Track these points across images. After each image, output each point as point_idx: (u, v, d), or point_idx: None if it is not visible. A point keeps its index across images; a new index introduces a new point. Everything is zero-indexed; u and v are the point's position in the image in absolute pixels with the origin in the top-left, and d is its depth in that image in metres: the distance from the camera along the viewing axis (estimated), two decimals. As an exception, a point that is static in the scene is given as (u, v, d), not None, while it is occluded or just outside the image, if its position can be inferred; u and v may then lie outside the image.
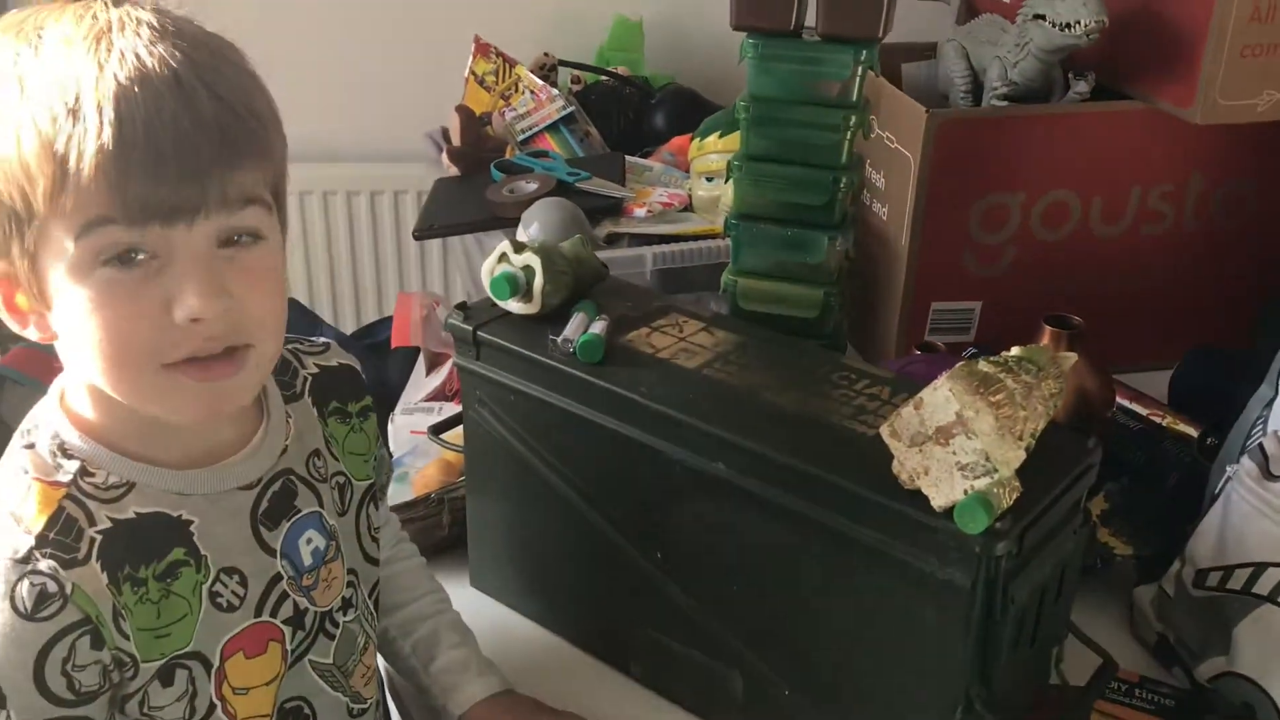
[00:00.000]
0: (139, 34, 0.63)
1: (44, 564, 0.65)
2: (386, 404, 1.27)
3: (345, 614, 0.79)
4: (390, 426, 1.23)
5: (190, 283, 0.63)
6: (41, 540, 0.65)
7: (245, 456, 0.74)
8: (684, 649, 0.90)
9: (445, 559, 1.06)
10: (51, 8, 0.65)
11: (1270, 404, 0.95)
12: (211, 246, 0.65)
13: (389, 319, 1.43)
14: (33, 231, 0.63)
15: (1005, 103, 1.30)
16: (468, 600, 0.98)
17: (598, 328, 0.91)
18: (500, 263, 0.94)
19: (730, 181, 1.03)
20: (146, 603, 0.68)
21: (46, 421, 0.70)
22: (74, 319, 0.64)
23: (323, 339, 0.87)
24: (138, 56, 0.61)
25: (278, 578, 0.74)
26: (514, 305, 0.94)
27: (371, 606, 0.84)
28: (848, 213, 1.01)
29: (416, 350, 1.31)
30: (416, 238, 1.35)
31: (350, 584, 0.80)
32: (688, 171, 1.44)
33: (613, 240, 1.32)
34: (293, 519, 0.76)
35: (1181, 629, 0.94)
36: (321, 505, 0.78)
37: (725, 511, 0.84)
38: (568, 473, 0.92)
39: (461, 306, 0.96)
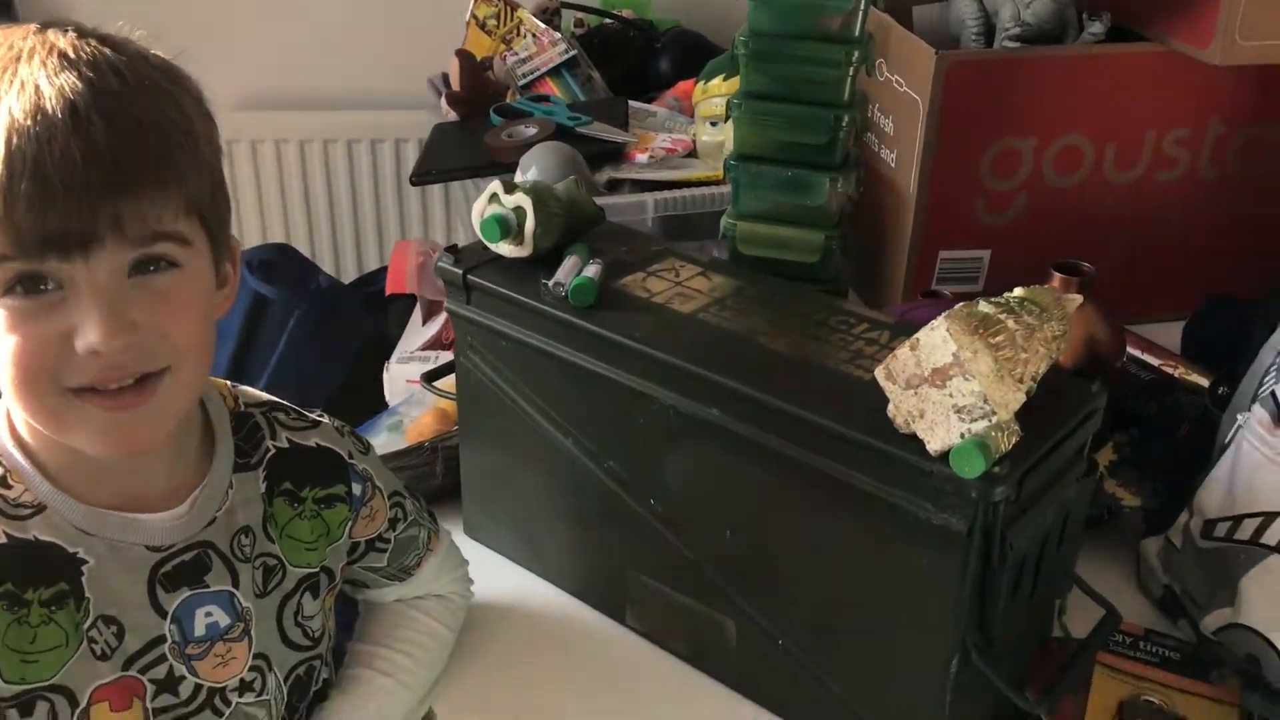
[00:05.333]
0: (46, 64, 0.61)
1: None
2: (384, 353, 1.25)
3: (242, 695, 0.75)
4: (386, 375, 1.21)
5: (90, 316, 0.62)
6: None
7: (165, 520, 0.72)
8: (678, 597, 0.89)
9: (439, 508, 1.05)
10: None
11: (1283, 352, 0.92)
12: (118, 277, 0.63)
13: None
14: None
15: (1017, 44, 1.27)
16: (462, 550, 0.97)
17: (591, 271, 0.89)
18: (490, 204, 0.91)
19: (730, 122, 1.00)
20: (24, 625, 0.67)
21: None
22: None
23: (318, 414, 0.83)
24: (37, 88, 0.60)
25: (161, 639, 0.72)
26: (505, 248, 0.92)
27: (291, 691, 0.79)
28: (850, 153, 0.98)
29: (414, 299, 1.29)
30: (413, 183, 1.33)
31: (256, 669, 0.76)
32: (692, 116, 1.41)
33: (614, 186, 1.30)
34: (196, 590, 0.73)
35: (1188, 581, 0.92)
36: (236, 585, 0.75)
37: (720, 458, 0.82)
38: (561, 420, 0.91)
39: (452, 250, 0.94)
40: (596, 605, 0.96)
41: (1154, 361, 1.23)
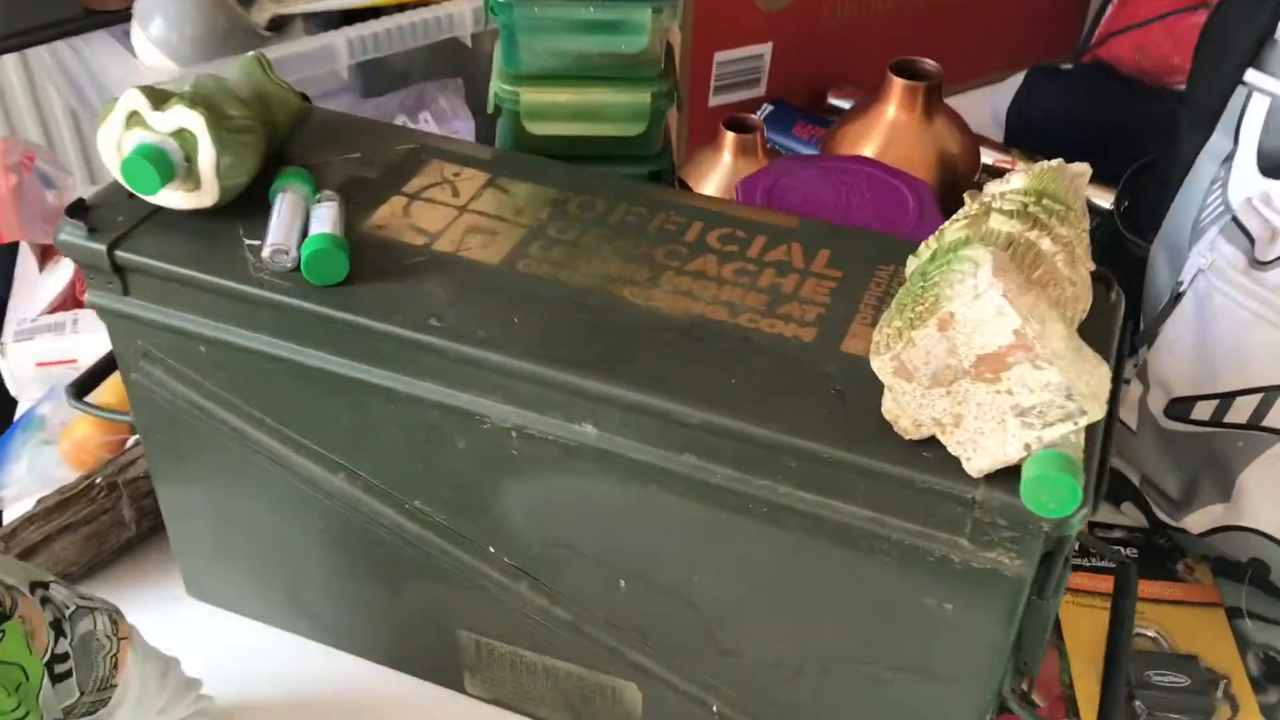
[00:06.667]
0: None
1: None
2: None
3: None
4: (1, 361, 0.82)
5: None
6: None
7: None
8: (545, 660, 0.62)
9: (134, 565, 0.72)
10: None
11: (1229, 160, 0.72)
12: None
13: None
14: None
15: None
16: (188, 618, 0.65)
17: (326, 219, 0.55)
18: (131, 129, 0.55)
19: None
20: None
21: None
22: None
23: None
24: None
25: None
26: (172, 197, 0.56)
27: None
28: (667, -34, 0.67)
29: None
30: (-28, 58, 0.89)
31: None
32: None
33: (279, 25, 0.91)
34: None
35: (1151, 469, 0.74)
36: None
37: (602, 488, 0.53)
38: (323, 450, 0.59)
39: (78, 209, 0.57)
40: (417, 672, 0.68)
41: (986, 159, 1.03)
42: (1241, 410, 0.68)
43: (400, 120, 0.92)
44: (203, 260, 0.55)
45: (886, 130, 0.88)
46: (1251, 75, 0.71)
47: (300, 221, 0.55)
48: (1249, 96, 0.71)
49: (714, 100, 1.07)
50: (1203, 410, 0.70)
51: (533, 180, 0.61)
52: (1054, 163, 0.51)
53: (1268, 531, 0.68)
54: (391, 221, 0.58)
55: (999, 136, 1.10)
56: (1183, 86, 1.09)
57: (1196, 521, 0.71)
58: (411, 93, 0.93)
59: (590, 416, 0.51)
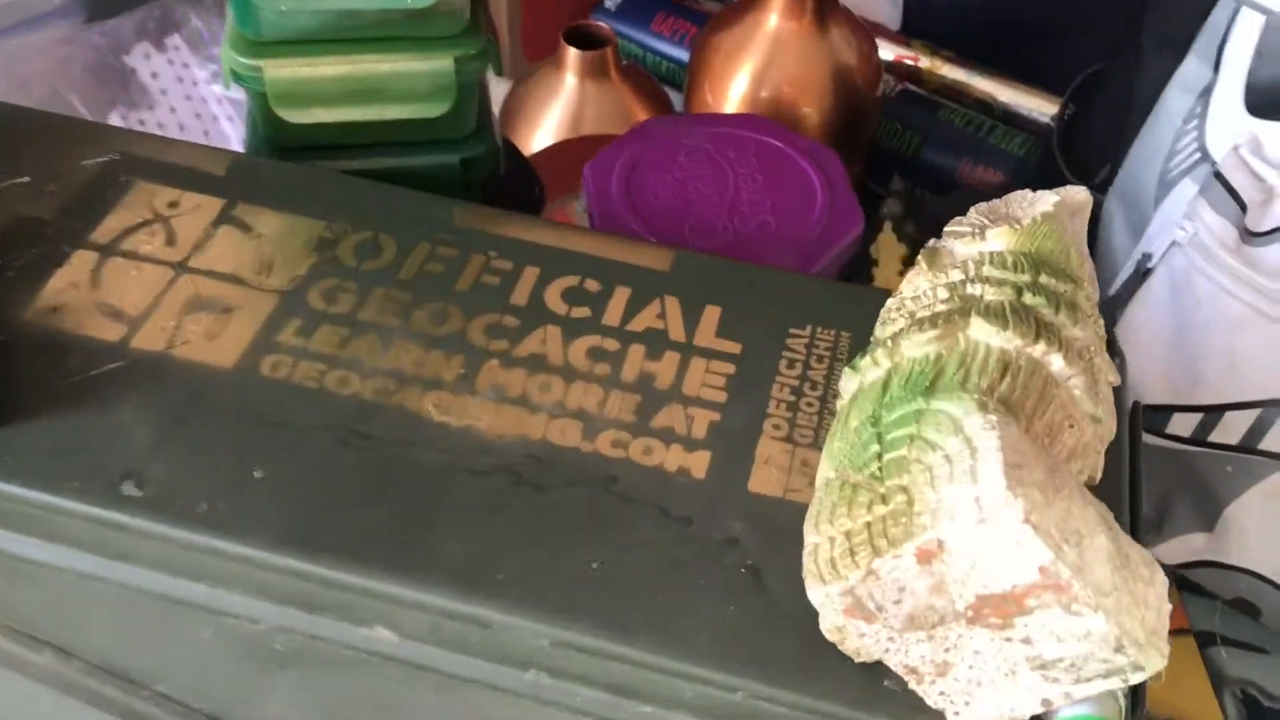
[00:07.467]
0: None
1: None
2: None
3: None
4: None
5: None
6: None
7: None
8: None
9: None
10: None
11: (1207, 93, 0.57)
12: None
13: None
14: None
15: None
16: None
17: (-45, 315, 0.36)
18: None
19: None
20: None
21: None
22: None
23: None
24: None
25: None
26: None
27: None
28: None
29: None
30: None
31: None
32: None
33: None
34: None
35: (1111, 483, 0.61)
36: None
37: (413, 693, 0.37)
38: (23, 630, 0.41)
39: None
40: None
41: (885, 54, 0.85)
42: (1232, 428, 0.54)
43: (142, 51, 0.70)
44: None
45: (769, 43, 0.70)
46: (1240, -15, 0.55)
47: (-84, 322, 0.36)
48: (1236, 13, 0.55)
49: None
50: (1182, 424, 0.56)
51: (287, 207, 0.42)
52: (1047, 203, 0.34)
53: (1266, 575, 0.55)
54: (72, 300, 0.39)
55: (895, 21, 0.92)
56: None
57: (1171, 551, 0.59)
58: (153, 11, 0.70)
59: (383, 620, 0.34)
